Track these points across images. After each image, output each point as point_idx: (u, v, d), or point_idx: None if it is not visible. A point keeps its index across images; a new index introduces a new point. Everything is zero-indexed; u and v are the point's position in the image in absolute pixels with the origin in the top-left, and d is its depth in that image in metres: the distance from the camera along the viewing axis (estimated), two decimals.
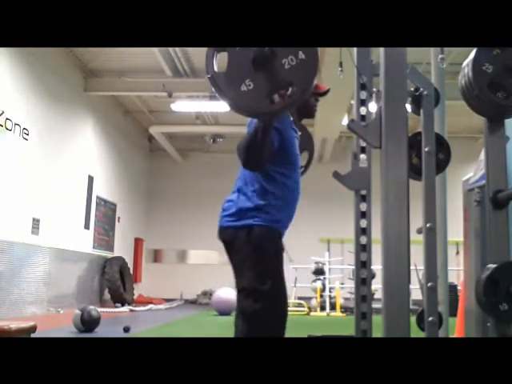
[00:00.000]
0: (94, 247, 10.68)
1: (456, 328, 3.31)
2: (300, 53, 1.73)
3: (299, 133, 2.43)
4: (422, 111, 1.98)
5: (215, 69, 1.75)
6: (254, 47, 1.74)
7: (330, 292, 10.42)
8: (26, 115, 7.86)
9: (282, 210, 2.19)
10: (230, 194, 2.27)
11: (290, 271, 10.29)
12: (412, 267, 2.14)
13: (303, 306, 10.31)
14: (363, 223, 2.22)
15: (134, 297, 11.86)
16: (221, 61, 1.76)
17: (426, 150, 1.94)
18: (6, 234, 7.28)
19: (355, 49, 2.21)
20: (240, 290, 2.12)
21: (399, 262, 1.71)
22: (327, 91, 2.48)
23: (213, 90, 1.78)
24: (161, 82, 9.79)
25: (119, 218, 12.20)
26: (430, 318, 1.84)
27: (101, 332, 5.90)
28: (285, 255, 2.29)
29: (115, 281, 10.74)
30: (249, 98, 1.74)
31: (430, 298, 1.86)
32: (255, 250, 2.10)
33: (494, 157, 1.96)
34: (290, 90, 1.75)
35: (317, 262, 10.97)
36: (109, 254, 11.43)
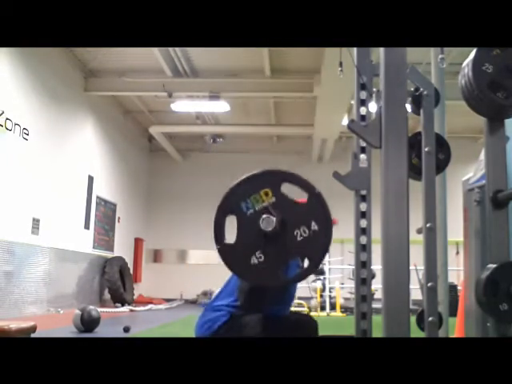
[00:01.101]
0: (93, 247, 10.67)
1: (456, 328, 3.31)
2: (313, 223, 1.70)
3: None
4: (421, 111, 1.98)
5: (225, 240, 1.71)
6: (263, 218, 1.69)
7: (330, 292, 10.42)
8: (26, 115, 7.86)
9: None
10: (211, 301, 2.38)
11: None
12: (412, 267, 2.14)
13: (303, 306, 10.30)
14: (363, 223, 2.22)
15: (134, 297, 11.86)
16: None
17: (426, 150, 1.94)
18: (6, 233, 7.28)
19: (355, 49, 2.21)
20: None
21: (399, 262, 1.71)
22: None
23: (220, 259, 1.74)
24: (161, 82, 9.79)
25: (119, 218, 12.19)
26: (430, 318, 1.84)
27: (101, 332, 5.90)
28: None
29: (115, 281, 10.74)
30: (260, 271, 1.70)
31: (429, 297, 1.86)
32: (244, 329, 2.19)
33: (494, 157, 1.96)
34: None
35: None
36: (109, 254, 11.43)
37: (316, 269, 1.77)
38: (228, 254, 1.72)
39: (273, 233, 1.69)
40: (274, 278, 1.73)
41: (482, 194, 2.37)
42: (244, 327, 2.13)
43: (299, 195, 1.89)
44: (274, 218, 1.69)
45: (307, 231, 1.70)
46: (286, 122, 12.60)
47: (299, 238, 1.71)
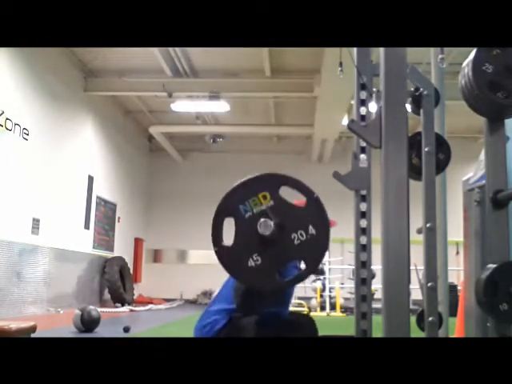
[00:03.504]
0: (93, 247, 10.68)
1: (456, 328, 3.31)
2: (310, 227, 1.70)
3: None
4: (422, 111, 1.98)
5: (223, 241, 1.72)
6: (261, 221, 1.70)
7: (330, 292, 10.42)
8: (26, 115, 7.86)
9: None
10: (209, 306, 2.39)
11: None
12: (412, 267, 2.14)
13: (303, 306, 10.30)
14: (363, 223, 2.22)
15: (134, 297, 11.86)
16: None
17: (426, 150, 1.94)
18: (6, 233, 7.28)
19: (355, 49, 2.21)
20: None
21: (399, 262, 1.71)
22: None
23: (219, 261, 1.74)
24: (161, 82, 9.79)
25: (119, 217, 12.19)
26: (430, 318, 1.84)
27: (101, 332, 5.90)
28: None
29: (115, 281, 10.74)
30: (257, 274, 1.71)
31: (429, 297, 1.86)
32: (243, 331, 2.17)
33: (493, 157, 1.96)
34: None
35: None
36: (109, 254, 11.43)
37: (312, 272, 1.77)
38: (225, 255, 1.73)
39: (270, 236, 1.69)
40: (270, 281, 1.74)
41: (482, 193, 2.37)
42: (242, 329, 2.13)
43: (298, 197, 1.89)
44: (272, 222, 1.69)
45: (304, 235, 1.71)
46: (286, 122, 12.60)
47: (296, 242, 1.71)
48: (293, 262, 1.77)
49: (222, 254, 1.73)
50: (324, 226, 1.72)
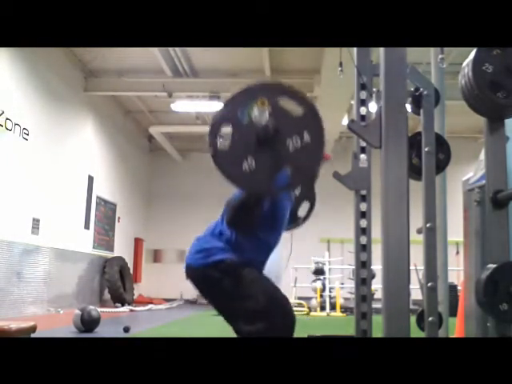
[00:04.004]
0: (93, 247, 10.67)
1: (456, 328, 3.31)
2: (306, 135, 1.71)
3: (297, 190, 2.40)
4: (421, 111, 1.98)
5: (218, 146, 1.73)
6: (258, 125, 1.70)
7: (330, 292, 10.41)
8: (26, 115, 7.86)
9: (253, 257, 2.17)
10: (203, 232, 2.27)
11: (290, 271, 10.31)
12: (412, 267, 2.14)
13: (303, 306, 10.30)
14: (363, 223, 2.22)
15: (134, 297, 11.85)
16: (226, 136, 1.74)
17: (426, 150, 1.94)
18: (6, 233, 7.28)
19: (355, 49, 2.22)
20: (237, 319, 2.06)
21: (399, 262, 1.71)
22: (327, 159, 2.44)
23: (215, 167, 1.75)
24: (161, 82, 9.79)
25: (119, 217, 12.19)
26: (430, 318, 1.84)
27: (101, 332, 5.90)
28: None
29: (115, 281, 10.74)
30: (251, 178, 1.73)
31: (429, 297, 1.86)
32: (231, 279, 2.05)
33: (493, 157, 1.96)
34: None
35: (317, 262, 10.97)
36: (109, 254, 11.43)
37: (305, 181, 1.77)
38: (221, 159, 1.74)
39: (265, 137, 1.71)
40: (264, 186, 1.76)
41: (482, 193, 2.37)
42: (241, 278, 2.04)
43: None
44: (267, 112, 1.70)
45: (299, 142, 1.72)
46: None
47: (291, 148, 1.72)
48: (285, 169, 1.76)
49: (218, 157, 1.74)
50: (319, 135, 1.73)
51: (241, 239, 2.12)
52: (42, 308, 8.35)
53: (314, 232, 13.16)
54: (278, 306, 2.06)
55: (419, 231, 1.97)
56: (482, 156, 2.28)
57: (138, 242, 13.63)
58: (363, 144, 2.24)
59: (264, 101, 1.77)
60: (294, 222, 2.48)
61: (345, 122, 10.32)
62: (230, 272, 2.06)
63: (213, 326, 7.59)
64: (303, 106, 1.85)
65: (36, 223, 8.13)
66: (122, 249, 12.21)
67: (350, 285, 10.00)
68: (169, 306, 11.62)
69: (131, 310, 9.96)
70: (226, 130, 1.76)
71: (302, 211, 2.54)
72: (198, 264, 2.14)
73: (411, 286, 1.98)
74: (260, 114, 1.73)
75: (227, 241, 2.13)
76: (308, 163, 1.75)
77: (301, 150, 1.72)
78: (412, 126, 1.93)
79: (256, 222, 2.06)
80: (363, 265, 2.18)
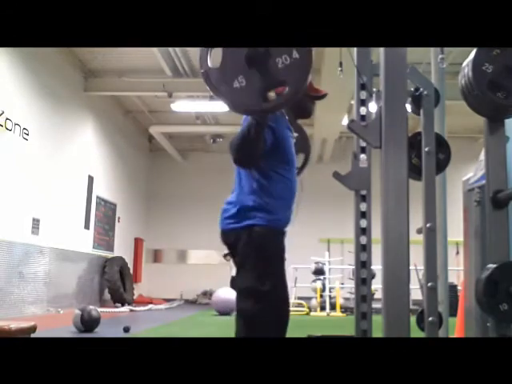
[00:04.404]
0: (93, 247, 10.68)
1: (456, 328, 3.31)
2: (294, 52, 1.73)
3: (295, 134, 2.41)
4: (421, 111, 1.98)
5: (209, 65, 1.75)
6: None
7: (330, 292, 10.41)
8: (26, 115, 7.86)
9: (281, 208, 2.17)
10: (230, 195, 2.26)
11: (290, 271, 10.31)
12: (412, 267, 2.14)
13: (303, 306, 10.31)
14: (363, 223, 2.22)
15: (134, 297, 11.85)
16: (217, 56, 1.77)
17: (426, 150, 1.94)
18: (6, 233, 7.28)
19: (355, 49, 2.21)
20: (240, 291, 2.11)
21: (399, 262, 1.71)
22: (324, 95, 2.45)
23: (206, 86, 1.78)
24: (161, 82, 9.79)
25: (119, 218, 12.19)
26: (430, 318, 1.84)
27: (101, 332, 5.90)
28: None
29: (115, 281, 10.74)
30: (241, 94, 1.74)
31: (429, 297, 1.86)
32: (257, 250, 2.07)
33: (493, 157, 1.96)
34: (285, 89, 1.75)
35: (317, 262, 10.96)
36: (109, 254, 11.43)
37: (295, 96, 1.79)
38: (211, 77, 1.76)
39: (255, 55, 1.72)
40: (255, 103, 1.76)
41: (482, 193, 2.37)
42: (262, 249, 2.08)
43: None
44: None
45: (288, 59, 1.73)
46: None
47: (280, 66, 1.73)
48: (276, 85, 1.78)
49: (209, 75, 1.75)
50: (307, 50, 1.74)
51: (262, 182, 2.14)
52: (42, 308, 8.35)
53: (313, 232, 13.19)
54: (277, 302, 2.08)
55: (419, 231, 1.97)
56: (482, 156, 2.28)
57: (138, 242, 13.63)
58: (363, 144, 2.24)
59: None
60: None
61: (345, 122, 10.32)
62: (257, 243, 2.08)
63: (213, 326, 7.59)
64: None
65: (36, 223, 8.13)
66: (121, 249, 12.21)
67: (350, 285, 10.00)
68: (169, 305, 11.62)
69: (131, 310, 9.96)
70: (217, 50, 1.77)
71: (298, 163, 2.54)
72: (229, 229, 2.16)
73: (411, 286, 1.98)
74: None
75: (253, 191, 2.14)
76: (298, 77, 1.76)
77: (289, 66, 1.74)
78: (412, 125, 1.93)
79: (261, 155, 2.07)
80: (363, 265, 2.18)
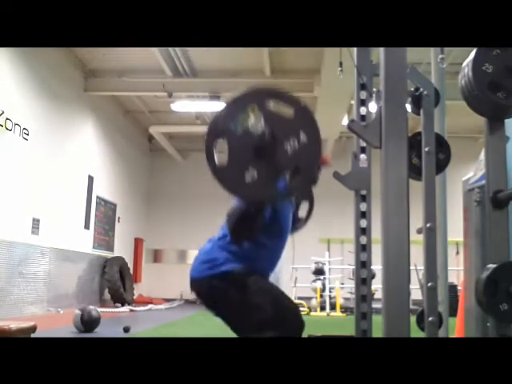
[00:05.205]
0: (93, 247, 10.67)
1: (456, 328, 3.31)
2: (302, 135, 1.70)
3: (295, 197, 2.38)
4: (421, 111, 1.98)
5: (216, 161, 1.72)
6: (254, 134, 1.69)
7: (330, 292, 10.42)
8: (26, 115, 7.86)
9: (261, 265, 2.17)
10: (207, 241, 2.25)
11: (290, 271, 10.30)
12: (412, 267, 2.14)
13: (303, 306, 10.31)
14: (363, 223, 2.22)
15: (134, 297, 11.85)
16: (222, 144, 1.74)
17: (426, 150, 1.94)
18: (6, 233, 7.28)
19: (355, 49, 2.21)
20: (244, 332, 2.04)
21: (399, 262, 1.71)
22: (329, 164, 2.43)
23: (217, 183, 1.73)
24: (161, 82, 9.79)
25: (119, 217, 12.19)
26: (430, 318, 1.84)
27: (101, 332, 5.90)
28: None
29: (115, 281, 10.74)
30: (255, 189, 1.71)
31: (429, 297, 1.86)
32: (238, 289, 2.04)
33: (493, 157, 1.96)
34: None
35: (317, 262, 10.97)
36: (109, 254, 11.43)
37: (309, 180, 1.77)
38: (222, 175, 1.73)
39: (263, 146, 1.69)
40: (268, 193, 1.74)
41: (481, 193, 2.37)
42: (245, 288, 2.03)
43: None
44: (263, 125, 1.70)
45: (297, 144, 1.71)
46: None
47: (290, 151, 1.71)
48: (286, 174, 1.76)
49: (219, 174, 1.73)
50: (315, 133, 1.72)
51: (247, 249, 2.12)
52: (42, 308, 8.35)
53: (314, 232, 13.17)
54: (286, 314, 2.05)
55: (419, 231, 1.97)
56: (482, 156, 2.28)
57: (138, 242, 13.63)
58: (363, 144, 2.24)
59: (254, 108, 1.76)
60: (296, 224, 2.48)
61: (345, 122, 10.32)
62: (237, 282, 2.05)
63: (213, 326, 7.57)
64: (292, 105, 1.85)
65: (36, 223, 8.13)
66: (121, 249, 12.21)
67: (350, 285, 10.01)
68: (169, 305, 11.62)
69: (131, 310, 9.95)
70: (222, 143, 1.75)
71: (302, 212, 2.54)
72: (203, 275, 2.12)
73: (411, 286, 1.98)
74: (255, 122, 1.72)
75: (233, 251, 2.11)
76: (308, 163, 1.74)
77: (299, 151, 1.71)
78: (412, 125, 1.93)
79: (259, 229, 2.05)
80: (363, 265, 2.18)
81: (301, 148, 1.71)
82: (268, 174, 1.71)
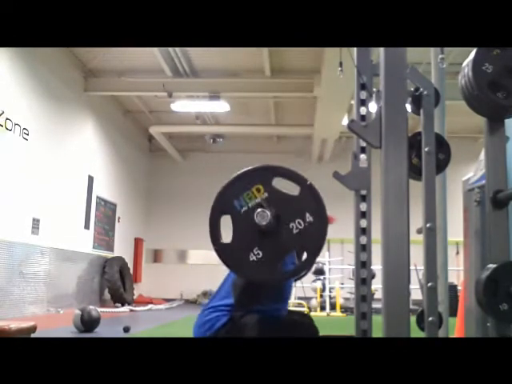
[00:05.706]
0: (93, 247, 10.67)
1: (456, 328, 3.31)
2: (307, 215, 1.70)
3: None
4: (421, 111, 1.98)
5: (221, 239, 1.72)
6: (258, 214, 1.70)
7: (330, 292, 10.42)
8: (26, 115, 7.86)
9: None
10: (210, 301, 2.34)
11: None
12: (412, 267, 2.14)
13: (303, 306, 10.30)
14: (363, 223, 2.21)
15: (134, 297, 11.85)
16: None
17: (426, 150, 1.94)
18: (6, 233, 7.28)
19: (355, 49, 2.21)
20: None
21: (399, 262, 1.71)
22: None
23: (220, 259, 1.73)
24: (161, 82, 9.79)
25: (119, 217, 12.19)
26: (430, 318, 1.84)
27: (101, 332, 5.90)
28: None
29: (115, 281, 10.74)
30: (258, 267, 1.71)
31: (429, 297, 1.86)
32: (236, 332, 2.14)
33: (493, 157, 1.96)
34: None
35: (317, 262, 10.96)
36: (109, 254, 11.43)
37: (314, 260, 1.77)
38: (226, 253, 1.73)
39: (268, 227, 1.69)
40: (273, 273, 1.74)
41: (481, 194, 2.37)
42: (243, 328, 2.11)
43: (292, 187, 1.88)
44: (269, 213, 1.69)
45: (302, 223, 1.70)
46: (286, 122, 12.60)
47: (295, 231, 1.71)
48: (292, 253, 1.76)
49: (222, 251, 1.72)
50: (321, 212, 1.72)
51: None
52: (42, 308, 8.35)
53: None
54: (295, 329, 2.10)
55: (419, 231, 1.97)
56: (482, 156, 2.28)
57: (138, 242, 13.63)
58: (363, 144, 2.24)
59: (259, 187, 1.76)
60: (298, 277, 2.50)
61: (345, 122, 10.32)
62: (235, 325, 2.14)
63: None
64: (298, 183, 1.84)
65: (36, 223, 8.13)
66: (122, 249, 12.21)
67: (350, 285, 10.01)
68: (169, 305, 11.62)
69: (131, 310, 9.95)
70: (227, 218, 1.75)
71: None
72: (206, 335, 2.24)
73: (411, 286, 1.98)
74: (261, 216, 1.71)
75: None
76: (314, 242, 1.74)
77: (304, 231, 1.71)
78: (412, 125, 1.93)
79: (263, 297, 2.09)
80: (363, 265, 2.17)
81: (306, 227, 1.70)
82: (273, 254, 1.71)
